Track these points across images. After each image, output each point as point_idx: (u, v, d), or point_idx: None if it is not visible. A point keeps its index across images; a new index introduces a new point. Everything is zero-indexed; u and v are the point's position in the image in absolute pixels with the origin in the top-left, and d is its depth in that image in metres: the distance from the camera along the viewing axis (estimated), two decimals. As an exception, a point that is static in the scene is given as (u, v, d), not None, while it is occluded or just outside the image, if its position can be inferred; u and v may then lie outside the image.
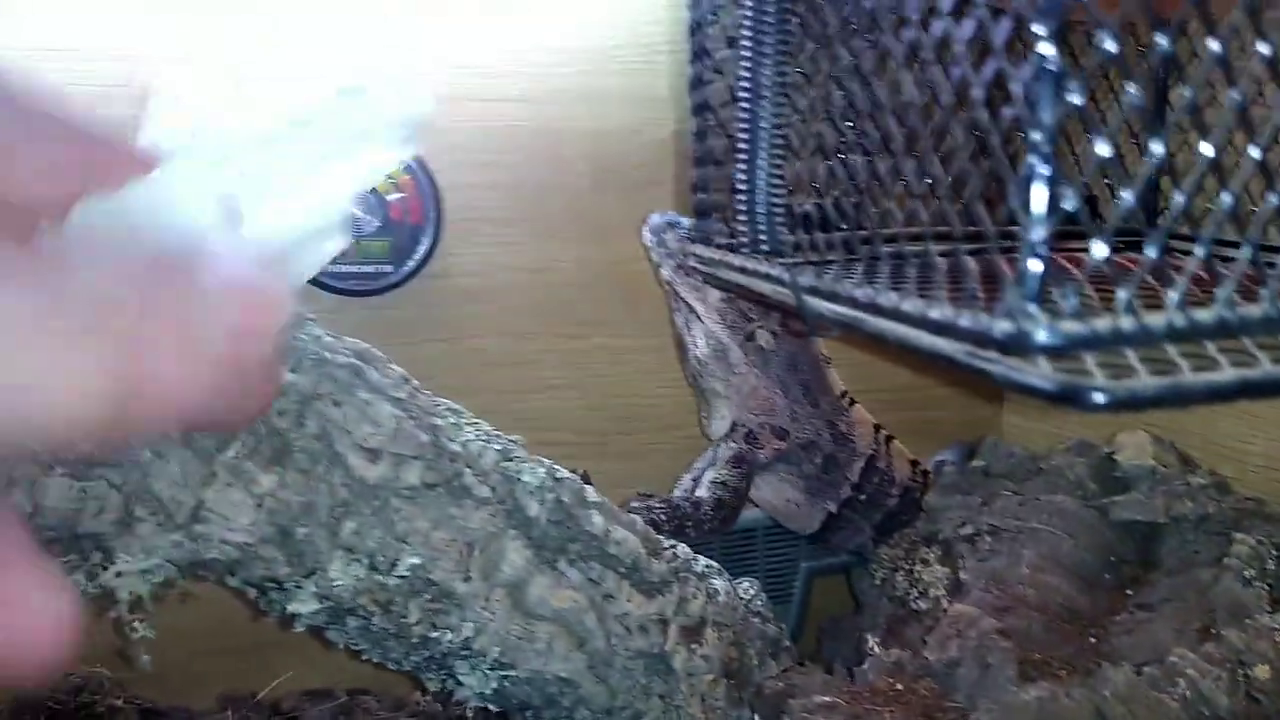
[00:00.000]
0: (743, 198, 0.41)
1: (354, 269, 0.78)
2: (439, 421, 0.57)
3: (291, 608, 0.53)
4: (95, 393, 0.21)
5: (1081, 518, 0.71)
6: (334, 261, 0.78)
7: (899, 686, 0.62)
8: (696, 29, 0.50)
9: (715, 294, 0.78)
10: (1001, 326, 0.27)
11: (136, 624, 0.51)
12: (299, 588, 0.52)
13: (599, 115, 0.84)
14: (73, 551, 0.49)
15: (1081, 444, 0.77)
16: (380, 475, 0.53)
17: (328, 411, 0.52)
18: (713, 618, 0.65)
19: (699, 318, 0.79)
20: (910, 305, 0.31)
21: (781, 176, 0.41)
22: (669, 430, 0.92)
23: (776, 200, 0.41)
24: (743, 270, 0.44)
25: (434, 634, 0.56)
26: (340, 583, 0.53)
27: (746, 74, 0.40)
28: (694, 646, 0.63)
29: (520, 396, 0.85)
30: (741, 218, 0.42)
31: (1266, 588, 0.62)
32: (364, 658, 0.59)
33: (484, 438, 0.59)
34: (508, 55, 0.81)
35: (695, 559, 0.67)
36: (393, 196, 0.78)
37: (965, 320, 0.29)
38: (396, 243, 0.80)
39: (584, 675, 0.60)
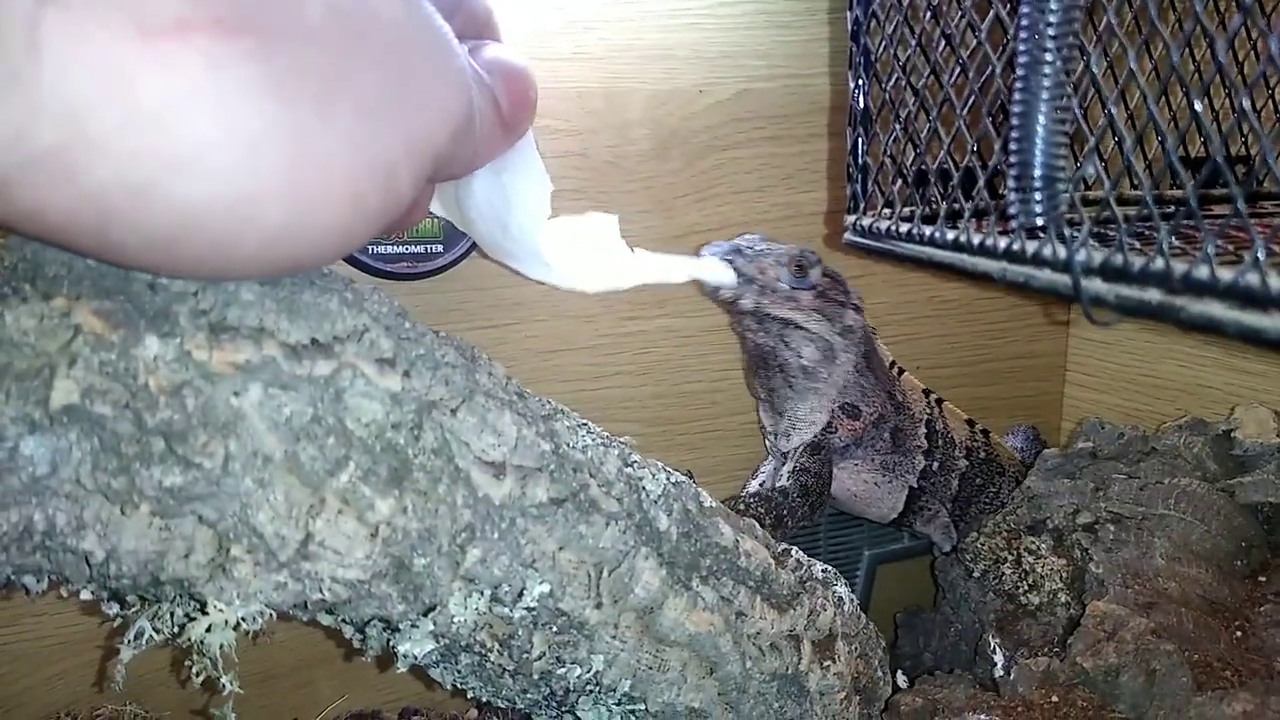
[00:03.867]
0: (1014, 157, 0.34)
1: (402, 250, 0.70)
2: (556, 425, 0.50)
3: (402, 649, 0.46)
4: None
5: (1210, 501, 0.66)
6: (379, 242, 0.70)
7: (1054, 699, 0.56)
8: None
9: (808, 296, 0.71)
10: None
11: (225, 679, 0.43)
12: (415, 627, 0.45)
13: (660, 75, 0.77)
14: (152, 601, 0.41)
15: (1195, 422, 0.72)
16: (506, 493, 0.45)
17: (445, 421, 0.44)
18: (841, 630, 0.59)
19: (798, 326, 0.72)
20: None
21: (1066, 130, 0.34)
22: (733, 416, 0.85)
23: (1057, 160, 0.34)
24: (967, 247, 0.38)
25: (560, 670, 0.49)
26: (460, 618, 0.45)
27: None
28: (826, 664, 0.57)
29: (586, 385, 0.77)
30: (1012, 184, 0.35)
31: None
32: (470, 696, 0.51)
33: (601, 441, 0.52)
34: (560, 10, 0.73)
35: (814, 563, 0.61)
36: (442, 166, 0.70)
37: None
38: (448, 221, 0.71)
39: (715, 703, 0.53)
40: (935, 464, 0.79)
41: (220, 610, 0.41)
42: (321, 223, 0.33)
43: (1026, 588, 0.69)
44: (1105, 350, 0.93)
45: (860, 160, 0.47)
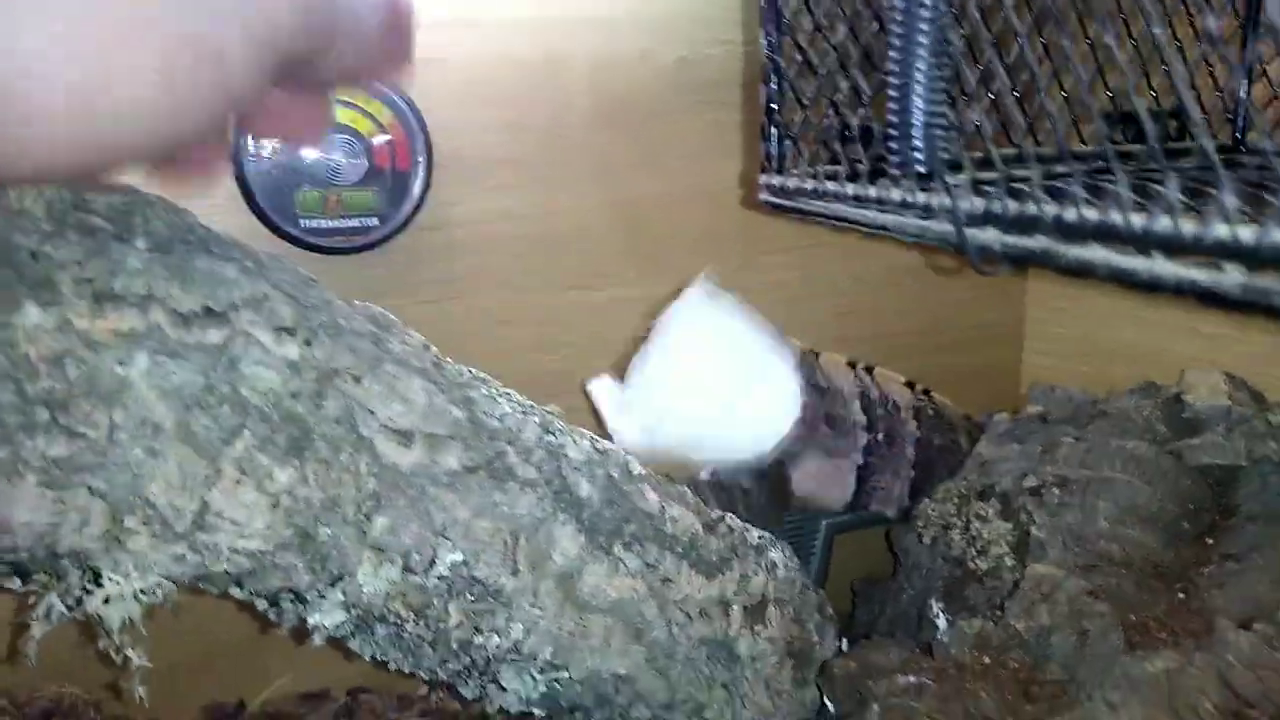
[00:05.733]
0: (894, 104, 0.34)
1: (336, 224, 0.69)
2: (472, 394, 0.49)
3: (313, 620, 0.46)
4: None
5: (1158, 464, 0.66)
6: (314, 216, 0.69)
7: (986, 660, 0.56)
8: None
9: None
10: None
11: (130, 652, 0.43)
12: (322, 597, 0.45)
13: (600, 41, 0.76)
14: (51, 574, 0.41)
15: (1147, 385, 0.72)
16: (414, 460, 0.45)
17: (349, 389, 0.44)
18: (774, 595, 0.58)
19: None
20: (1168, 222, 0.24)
21: (945, 79, 0.33)
22: (686, 388, 0.85)
23: (936, 109, 0.33)
24: (865, 200, 0.37)
25: (478, 639, 0.48)
26: (370, 588, 0.45)
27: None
28: (758, 628, 0.57)
29: (534, 358, 0.77)
30: (892, 130, 0.34)
31: (1371, 531, 0.58)
32: (392, 668, 0.51)
33: (521, 409, 0.52)
34: (498, -26, 0.72)
35: (748, 530, 0.60)
36: (378, 140, 0.69)
37: None
38: (383, 192, 0.70)
39: (643, 670, 0.53)
40: (880, 435, 0.78)
41: (117, 583, 0.40)
42: (128, 97, 0.30)
43: (975, 553, 0.69)
44: (1062, 318, 0.92)
45: (773, 119, 0.46)
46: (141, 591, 0.41)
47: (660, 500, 0.54)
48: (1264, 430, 0.65)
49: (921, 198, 0.36)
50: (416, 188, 0.71)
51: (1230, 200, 0.26)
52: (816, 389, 0.76)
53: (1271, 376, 0.73)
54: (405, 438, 0.45)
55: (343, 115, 0.68)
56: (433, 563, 0.46)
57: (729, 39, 0.79)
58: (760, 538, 0.61)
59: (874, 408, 0.77)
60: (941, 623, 0.64)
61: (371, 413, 0.44)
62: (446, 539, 0.46)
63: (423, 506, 0.45)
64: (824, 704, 0.58)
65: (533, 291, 0.78)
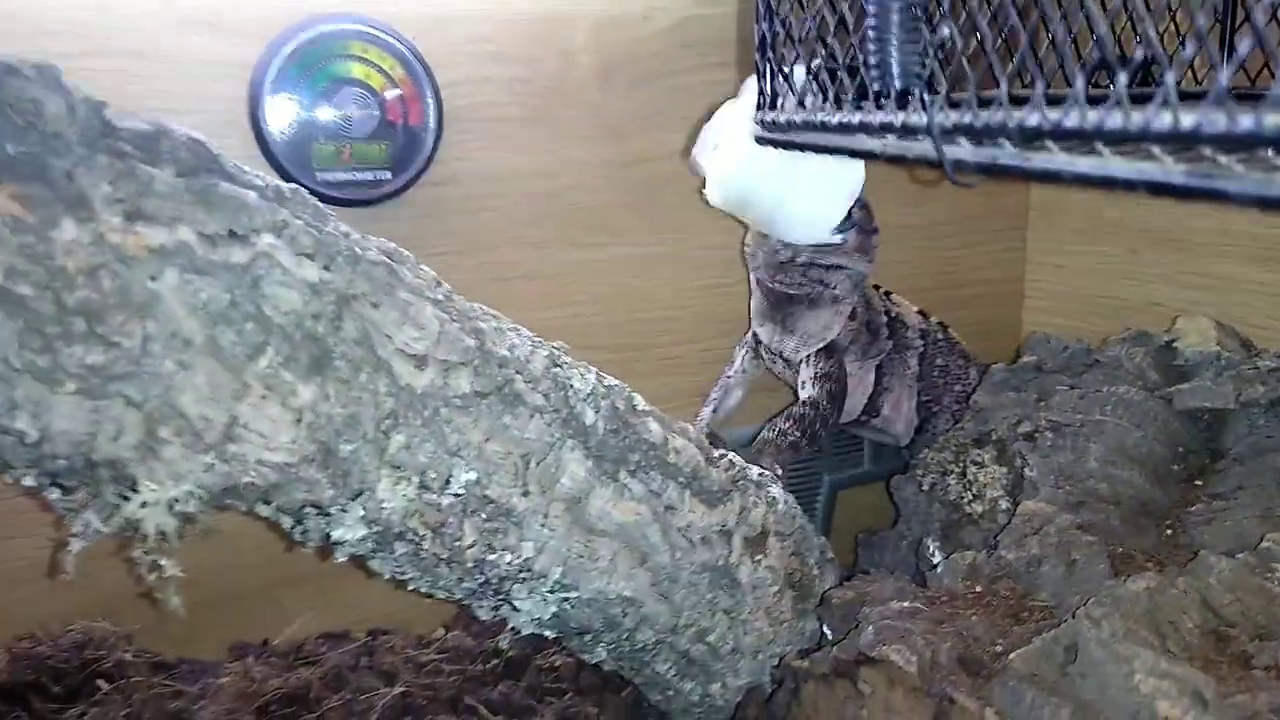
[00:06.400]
0: (873, 20, 0.36)
1: (349, 176, 0.71)
2: (482, 325, 0.52)
3: (335, 534, 0.48)
4: None
5: (1147, 408, 0.68)
6: (329, 168, 0.71)
7: (978, 589, 0.58)
8: None
9: (853, 235, 0.73)
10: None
11: (163, 561, 0.45)
12: (344, 511, 0.47)
13: (604, 1, 0.77)
14: (88, 482, 0.43)
15: (1139, 334, 0.73)
16: (428, 383, 0.47)
17: (367, 313, 0.46)
18: (774, 527, 0.61)
19: (841, 268, 0.75)
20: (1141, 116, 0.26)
21: (919, 3, 0.35)
22: (691, 343, 0.87)
23: (911, 31, 0.35)
24: (851, 127, 0.39)
25: (491, 556, 0.51)
26: (389, 504, 0.47)
27: None
28: (758, 558, 0.59)
29: (540, 313, 0.79)
30: (871, 58, 0.36)
31: (1354, 467, 0.59)
32: (410, 587, 0.53)
33: (530, 342, 0.54)
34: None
35: (749, 466, 0.63)
36: (390, 94, 0.71)
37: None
38: (395, 147, 0.73)
39: (648, 593, 0.55)
40: (891, 343, 0.82)
41: (152, 489, 0.43)
42: None
43: (971, 497, 0.71)
44: (1060, 274, 0.94)
45: (766, 55, 0.48)
46: (175, 499, 0.43)
47: (664, 432, 0.56)
48: (1253, 375, 0.67)
49: (900, 116, 0.38)
50: (428, 142, 0.73)
51: (1171, 92, 0.28)
52: (864, 298, 0.80)
53: (1260, 326, 0.75)
54: (420, 361, 0.47)
55: (356, 70, 0.70)
56: (448, 481, 0.48)
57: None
58: (761, 474, 0.63)
59: (892, 323, 0.81)
60: (936, 558, 0.66)
61: (388, 336, 0.46)
62: (460, 459, 0.48)
63: (437, 427, 0.48)
64: (823, 632, 0.60)
65: (540, 247, 0.80)
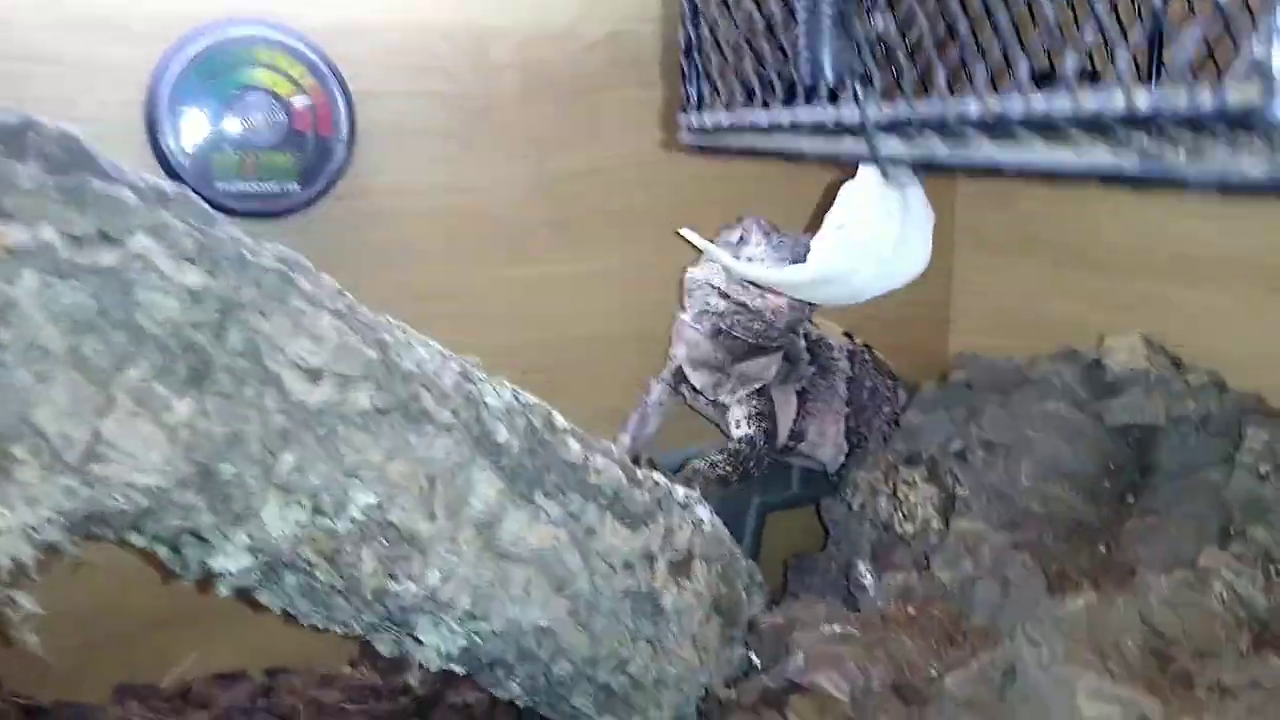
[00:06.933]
0: (804, 27, 0.34)
1: (253, 187, 0.68)
2: (387, 338, 0.48)
3: (216, 565, 0.44)
4: None
5: (1078, 425, 0.67)
6: (228, 177, 0.68)
7: (911, 611, 0.56)
8: None
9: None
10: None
11: (19, 597, 0.41)
12: (226, 539, 0.43)
13: (530, 13, 0.75)
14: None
15: (1068, 351, 0.73)
16: (323, 399, 0.44)
17: (255, 323, 0.42)
18: (700, 551, 0.58)
19: (796, 306, 0.71)
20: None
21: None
22: (613, 365, 0.84)
23: (843, 23, 0.33)
24: (781, 127, 0.37)
25: (393, 586, 0.47)
26: (277, 530, 0.44)
27: None
28: (683, 583, 0.56)
29: (457, 334, 0.75)
30: (802, 54, 0.34)
31: (1285, 482, 0.59)
32: (305, 622, 0.49)
33: (440, 356, 0.51)
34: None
35: (674, 487, 0.60)
36: (298, 102, 0.68)
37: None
38: (303, 157, 0.69)
39: (565, 623, 0.52)
40: (816, 368, 0.80)
41: (4, 515, 0.38)
42: None
43: (901, 517, 0.69)
44: (987, 297, 0.94)
45: (692, 58, 0.46)
46: (32, 527, 0.39)
47: (584, 451, 0.54)
48: (1182, 391, 0.66)
49: (832, 113, 0.36)
50: (339, 153, 0.70)
51: (1124, 72, 0.26)
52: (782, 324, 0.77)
53: (1179, 344, 0.75)
54: (313, 375, 0.44)
55: (262, 76, 0.67)
56: (343, 505, 0.45)
57: (656, 15, 0.79)
58: (686, 495, 0.60)
59: (815, 346, 0.79)
60: (868, 580, 0.64)
61: (279, 348, 0.43)
62: (358, 480, 0.45)
63: (332, 446, 0.44)
64: (751, 659, 0.58)
65: (458, 266, 0.77)
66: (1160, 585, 0.51)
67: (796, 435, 0.81)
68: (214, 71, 0.65)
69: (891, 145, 0.34)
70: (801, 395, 0.79)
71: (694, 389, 0.78)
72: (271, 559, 0.44)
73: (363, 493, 0.45)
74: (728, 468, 0.73)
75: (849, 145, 0.37)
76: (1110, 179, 0.26)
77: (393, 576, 0.47)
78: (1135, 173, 0.25)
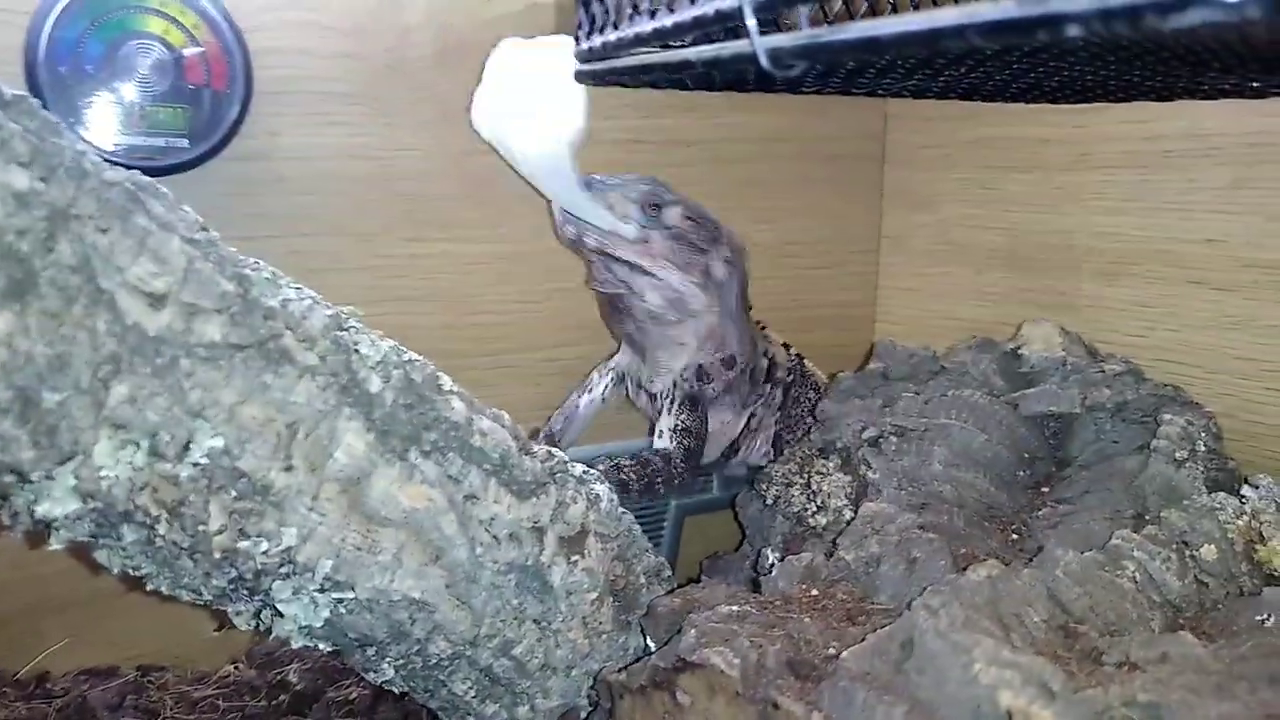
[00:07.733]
0: None
1: (139, 140, 0.64)
2: (249, 273, 0.44)
3: (41, 510, 0.39)
4: None
5: (992, 412, 0.65)
6: (114, 131, 0.63)
7: (814, 592, 0.53)
8: None
9: (659, 239, 0.66)
10: None
11: None
12: (50, 479, 0.39)
13: (444, -23, 0.73)
14: None
15: (984, 341, 0.71)
16: (164, 325, 0.40)
17: (91, 237, 0.38)
18: (595, 527, 0.54)
19: (644, 271, 0.66)
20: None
21: None
22: (532, 351, 0.81)
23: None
24: (663, 33, 0.35)
25: (243, 544, 0.43)
26: (110, 472, 0.39)
27: None
28: (575, 559, 0.52)
29: (363, 310, 0.72)
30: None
31: (1200, 470, 0.57)
32: (149, 586, 0.45)
33: (311, 300, 0.47)
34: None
35: (573, 463, 0.56)
36: (190, 53, 0.64)
37: None
38: (194, 112, 0.65)
39: (441, 596, 0.48)
40: (769, 386, 0.77)
41: None
42: None
43: (814, 509, 0.66)
44: (911, 296, 0.93)
45: (581, -19, 0.44)
46: None
47: (469, 412, 0.50)
48: (1098, 379, 0.65)
49: (712, 7, 0.33)
50: (233, 111, 0.66)
51: None
52: (753, 344, 0.75)
53: (1104, 341, 0.74)
54: (156, 300, 0.40)
55: (151, 23, 0.63)
56: (186, 447, 0.40)
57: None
58: (585, 471, 0.56)
59: (772, 365, 0.77)
60: (770, 561, 0.61)
61: (117, 268, 0.39)
62: (204, 420, 0.41)
63: (174, 380, 0.40)
64: (647, 645, 0.54)
65: (364, 238, 0.73)
66: (1069, 560, 0.48)
67: (730, 451, 0.78)
68: (99, 15, 0.62)
69: (774, 38, 0.32)
70: (751, 415, 0.77)
71: (637, 383, 0.75)
72: (105, 507, 0.40)
73: (209, 435, 0.41)
74: (631, 475, 0.66)
75: (732, 47, 0.35)
76: (992, 30, 0.24)
77: (244, 534, 0.43)
78: (1016, 18, 0.23)
